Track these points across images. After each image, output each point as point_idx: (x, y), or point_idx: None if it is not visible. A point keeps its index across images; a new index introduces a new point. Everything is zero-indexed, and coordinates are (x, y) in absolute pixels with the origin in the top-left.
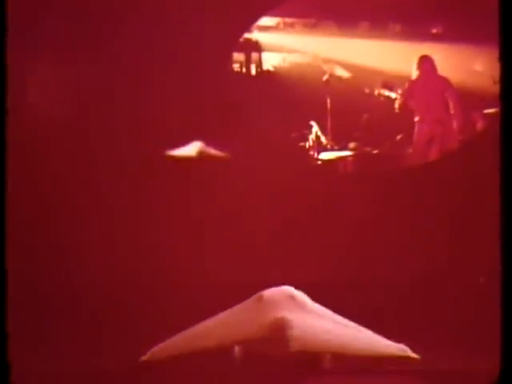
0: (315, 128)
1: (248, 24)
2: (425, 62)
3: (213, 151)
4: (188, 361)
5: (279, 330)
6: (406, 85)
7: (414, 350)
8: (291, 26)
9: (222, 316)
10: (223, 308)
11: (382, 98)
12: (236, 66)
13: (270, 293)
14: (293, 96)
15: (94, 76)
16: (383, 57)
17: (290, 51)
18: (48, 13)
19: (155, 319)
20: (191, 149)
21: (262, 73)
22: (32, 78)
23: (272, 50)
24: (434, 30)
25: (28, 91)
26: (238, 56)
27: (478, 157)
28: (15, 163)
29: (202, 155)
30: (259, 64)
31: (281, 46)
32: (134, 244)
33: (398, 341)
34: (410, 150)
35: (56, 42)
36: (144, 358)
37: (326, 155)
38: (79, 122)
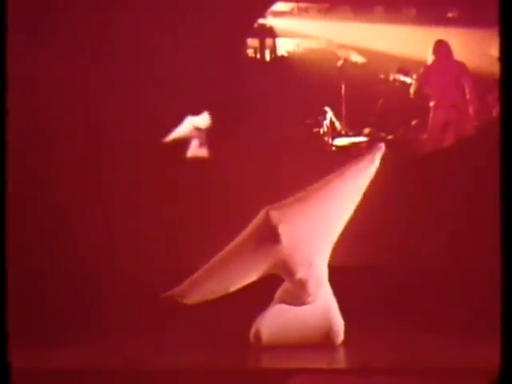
0: (330, 114)
1: (262, 9)
2: (440, 47)
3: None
4: None
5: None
6: (422, 70)
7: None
8: (305, 11)
9: None
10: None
11: (397, 84)
12: (250, 52)
13: None
14: (307, 82)
15: (96, 74)
16: (398, 42)
17: (305, 36)
18: (48, 12)
19: (156, 319)
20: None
21: (276, 58)
22: (32, 77)
23: (286, 35)
24: (450, 14)
25: (28, 91)
26: (252, 42)
27: (494, 143)
28: (15, 163)
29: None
30: (273, 49)
31: (295, 32)
32: (136, 242)
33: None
34: (425, 136)
35: (56, 42)
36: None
37: (340, 141)
38: (80, 121)
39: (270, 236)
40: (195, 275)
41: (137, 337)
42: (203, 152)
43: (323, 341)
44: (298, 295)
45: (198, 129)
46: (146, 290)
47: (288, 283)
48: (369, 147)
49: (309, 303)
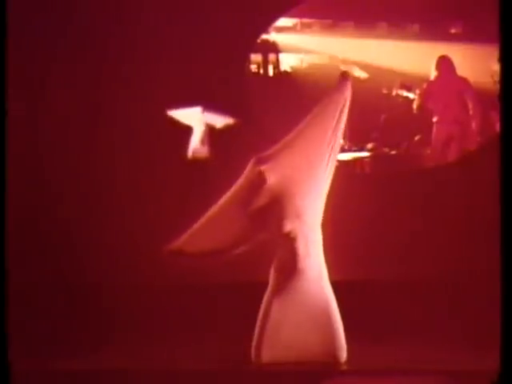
0: None
1: (265, 25)
2: (443, 63)
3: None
4: None
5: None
6: (425, 85)
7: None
8: (309, 26)
9: None
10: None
11: (400, 99)
12: (253, 67)
13: None
14: (310, 97)
15: (97, 76)
16: (401, 57)
17: (308, 52)
18: (48, 12)
19: (155, 319)
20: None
21: (279, 74)
22: (32, 77)
23: (289, 50)
24: (453, 30)
25: (29, 91)
26: (256, 57)
27: (497, 158)
28: (15, 163)
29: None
30: (276, 65)
31: (298, 47)
32: (136, 244)
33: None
34: (428, 151)
35: (56, 42)
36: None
37: (343, 156)
38: (80, 121)
39: (257, 179)
40: (191, 230)
41: (137, 337)
42: (204, 150)
43: (327, 358)
44: (290, 262)
45: (208, 126)
46: (144, 292)
47: (279, 254)
48: None
49: (302, 272)
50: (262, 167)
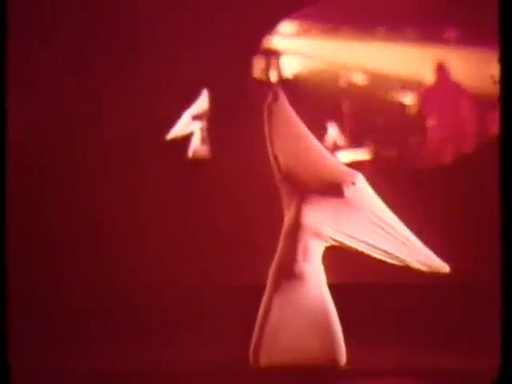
0: (332, 131)
1: (267, 30)
2: (441, 67)
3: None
4: None
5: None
6: (422, 89)
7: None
8: (309, 31)
9: None
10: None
11: (397, 102)
12: (255, 71)
13: None
14: (310, 100)
15: (98, 77)
16: (400, 61)
17: (308, 56)
18: (48, 12)
19: (154, 320)
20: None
21: (280, 77)
22: (32, 78)
23: (290, 55)
24: (450, 34)
25: (28, 91)
26: (258, 61)
27: (493, 161)
28: (15, 164)
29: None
30: (278, 69)
31: (299, 51)
32: (135, 245)
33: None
34: (425, 153)
35: (56, 42)
36: None
37: (342, 158)
38: (80, 122)
39: (337, 181)
40: None
41: (136, 338)
42: (204, 150)
43: (325, 362)
44: (288, 266)
45: (198, 117)
46: (144, 293)
47: (278, 258)
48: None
49: (300, 276)
50: (354, 179)
